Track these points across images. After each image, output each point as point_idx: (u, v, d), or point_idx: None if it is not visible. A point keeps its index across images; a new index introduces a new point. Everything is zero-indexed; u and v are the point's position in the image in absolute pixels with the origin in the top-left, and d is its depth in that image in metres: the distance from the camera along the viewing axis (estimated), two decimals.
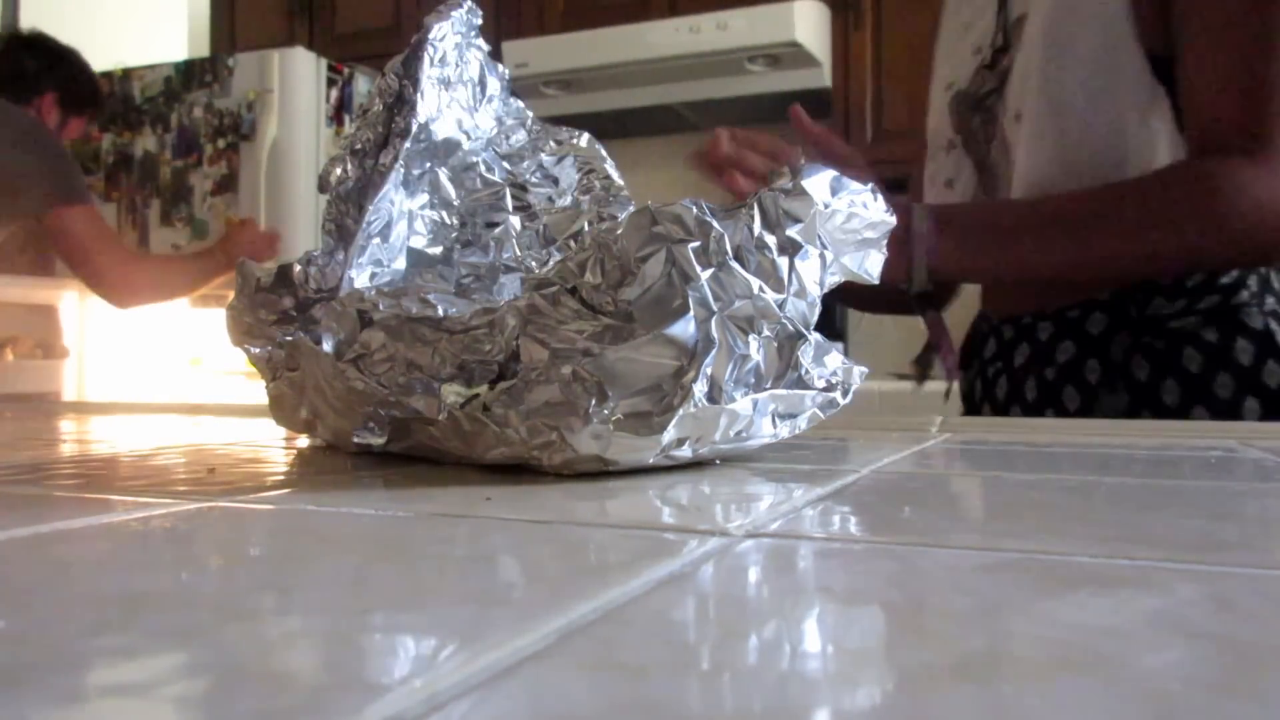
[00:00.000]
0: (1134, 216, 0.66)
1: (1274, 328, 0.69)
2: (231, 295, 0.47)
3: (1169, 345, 0.71)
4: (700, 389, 0.34)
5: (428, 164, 0.48)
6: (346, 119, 2.34)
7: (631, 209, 0.45)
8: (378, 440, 0.39)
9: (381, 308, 0.40)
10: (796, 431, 0.39)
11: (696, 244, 0.34)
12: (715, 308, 0.34)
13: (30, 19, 3.32)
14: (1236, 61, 0.66)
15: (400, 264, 0.47)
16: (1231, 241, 0.66)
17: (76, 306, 2.15)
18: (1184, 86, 0.69)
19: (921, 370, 0.82)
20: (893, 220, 0.38)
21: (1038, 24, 0.77)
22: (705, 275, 0.34)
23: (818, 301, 0.37)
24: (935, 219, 0.70)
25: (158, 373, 2.20)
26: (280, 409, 0.46)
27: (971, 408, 0.84)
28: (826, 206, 0.36)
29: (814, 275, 0.36)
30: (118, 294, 1.75)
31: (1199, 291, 0.71)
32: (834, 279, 0.38)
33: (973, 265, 0.72)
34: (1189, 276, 0.71)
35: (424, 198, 0.48)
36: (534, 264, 0.48)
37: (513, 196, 0.50)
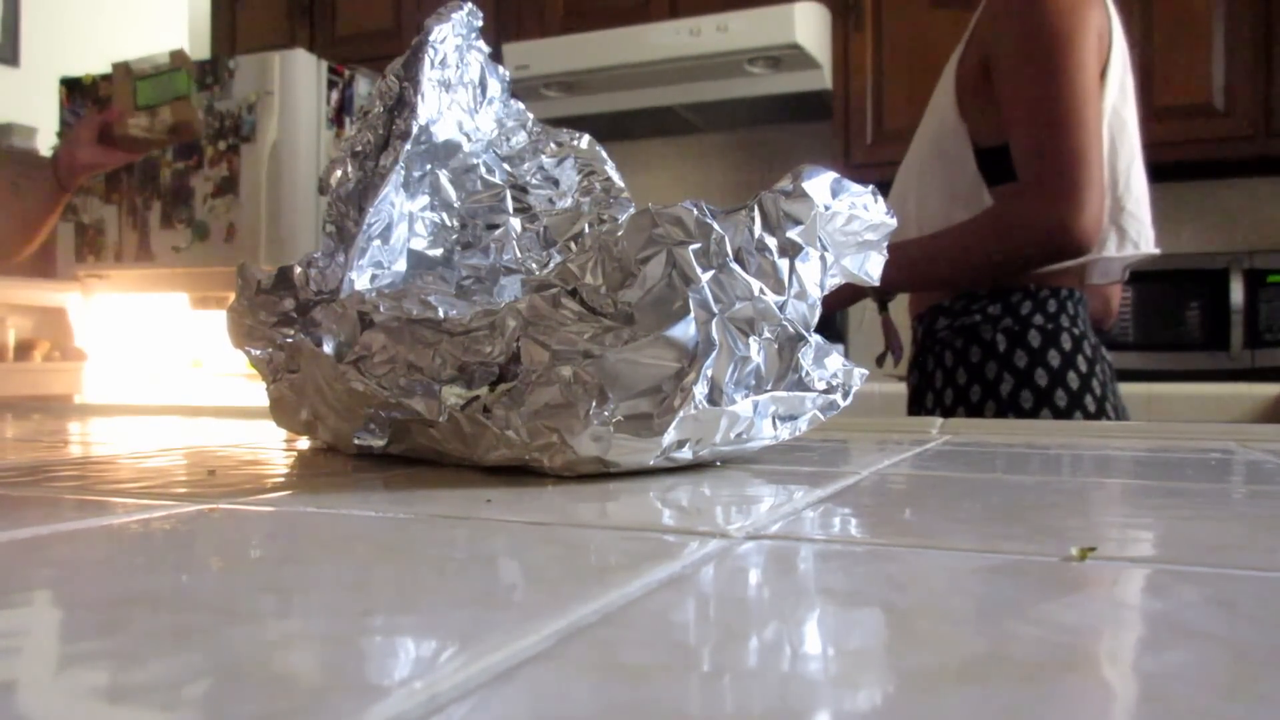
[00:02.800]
0: (969, 241, 0.97)
1: (999, 339, 0.99)
2: (232, 297, 0.47)
3: (941, 346, 1.05)
4: (701, 391, 0.34)
5: (428, 166, 0.48)
6: (347, 121, 2.34)
7: (632, 211, 0.45)
8: (378, 442, 0.39)
9: (382, 309, 0.40)
10: (797, 433, 0.39)
11: (697, 246, 0.34)
12: (716, 309, 0.34)
13: (31, 20, 3.32)
14: (1028, 129, 0.95)
15: (401, 266, 0.47)
16: (1022, 250, 0.95)
17: (80, 308, 2.16)
18: (1012, 150, 0.97)
19: (880, 360, 1.12)
20: (893, 222, 0.38)
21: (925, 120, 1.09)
22: (706, 277, 0.34)
23: (818, 303, 0.37)
24: None
25: (158, 375, 2.20)
26: (281, 411, 0.46)
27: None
28: (827, 209, 0.36)
29: (814, 277, 0.36)
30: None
31: (960, 313, 1.03)
32: (834, 281, 0.38)
33: (892, 282, 1.05)
34: (967, 299, 1.03)
35: (424, 200, 0.48)
36: (534, 266, 0.48)
37: (513, 198, 0.50)
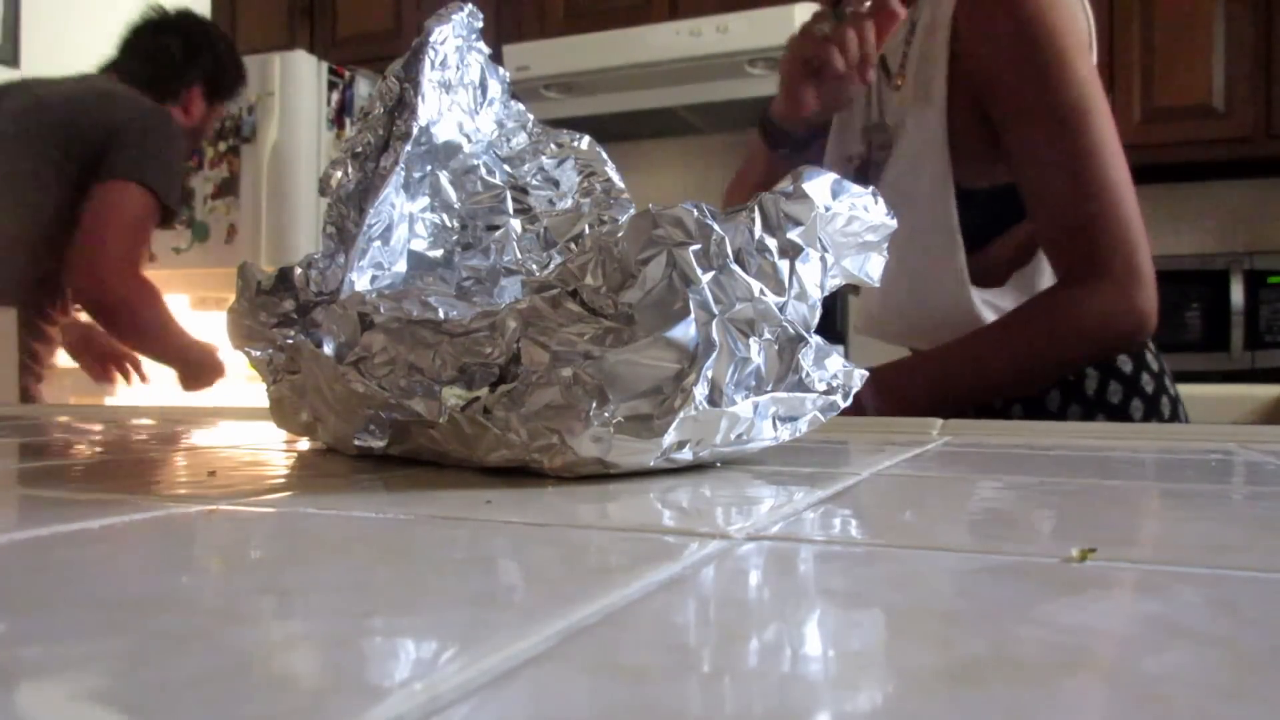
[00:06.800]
0: (1026, 354, 0.84)
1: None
2: (232, 298, 0.47)
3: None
4: (701, 392, 0.34)
5: (428, 167, 0.48)
6: (347, 122, 2.34)
7: (632, 212, 0.45)
8: (378, 443, 0.39)
9: (382, 310, 0.40)
10: (797, 434, 0.39)
11: (697, 247, 0.34)
12: (716, 310, 0.34)
13: (33, 21, 3.32)
14: (1064, 204, 0.81)
15: (401, 267, 0.47)
16: (1094, 351, 0.85)
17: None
18: (1032, 220, 0.85)
19: None
20: (893, 223, 0.38)
21: (894, 170, 0.93)
22: (706, 278, 0.34)
23: (818, 304, 0.37)
24: (876, 389, 0.85)
25: (159, 376, 2.19)
26: (281, 412, 0.46)
27: None
28: (827, 209, 0.36)
29: (815, 278, 0.36)
30: (97, 288, 1.49)
31: None
32: (835, 282, 0.38)
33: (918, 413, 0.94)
34: None
35: (424, 200, 0.48)
36: (535, 267, 0.48)
37: (513, 199, 0.50)
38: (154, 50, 1.63)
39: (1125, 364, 0.89)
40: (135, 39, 1.68)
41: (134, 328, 1.57)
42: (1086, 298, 0.80)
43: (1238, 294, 2.12)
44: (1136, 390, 0.89)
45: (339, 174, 0.48)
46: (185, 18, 1.71)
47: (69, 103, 1.56)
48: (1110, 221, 0.80)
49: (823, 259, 0.37)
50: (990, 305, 0.90)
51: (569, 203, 0.51)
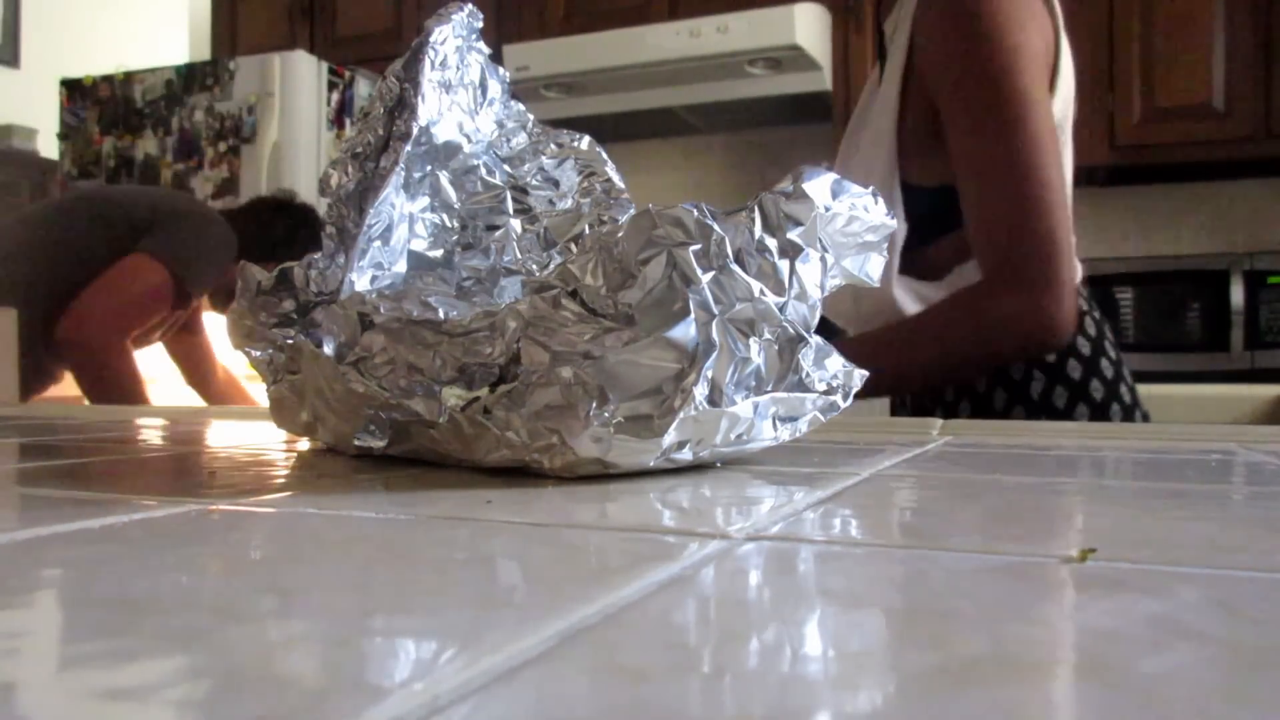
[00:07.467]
0: (938, 349, 0.86)
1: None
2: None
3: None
4: (701, 392, 0.34)
5: (428, 167, 0.48)
6: (347, 122, 2.34)
7: (632, 212, 0.45)
8: (378, 443, 0.39)
9: (382, 311, 0.40)
10: (797, 434, 0.39)
11: (697, 247, 0.34)
12: (716, 310, 0.34)
13: (33, 21, 3.32)
14: (988, 207, 0.84)
15: (401, 267, 0.47)
16: (1000, 352, 0.86)
17: None
18: (965, 221, 0.87)
19: None
20: (894, 224, 0.38)
21: (855, 159, 0.96)
22: (706, 278, 0.34)
23: (818, 304, 0.37)
24: None
25: (159, 376, 2.20)
26: (281, 412, 0.46)
27: None
28: (827, 210, 0.36)
29: (815, 278, 0.36)
30: (75, 330, 1.56)
31: None
32: (835, 282, 0.38)
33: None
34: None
35: (424, 201, 0.48)
36: (535, 267, 0.48)
37: (513, 199, 0.50)
38: (263, 221, 1.74)
39: (1075, 369, 0.90)
40: (255, 205, 1.81)
41: (93, 380, 1.62)
42: (998, 300, 0.82)
43: (1238, 294, 2.12)
44: (1084, 397, 0.90)
45: (339, 174, 0.48)
46: (307, 212, 1.82)
47: (131, 190, 1.70)
48: (1031, 229, 0.81)
49: (823, 259, 0.37)
50: (923, 298, 0.92)
51: (569, 203, 0.51)
